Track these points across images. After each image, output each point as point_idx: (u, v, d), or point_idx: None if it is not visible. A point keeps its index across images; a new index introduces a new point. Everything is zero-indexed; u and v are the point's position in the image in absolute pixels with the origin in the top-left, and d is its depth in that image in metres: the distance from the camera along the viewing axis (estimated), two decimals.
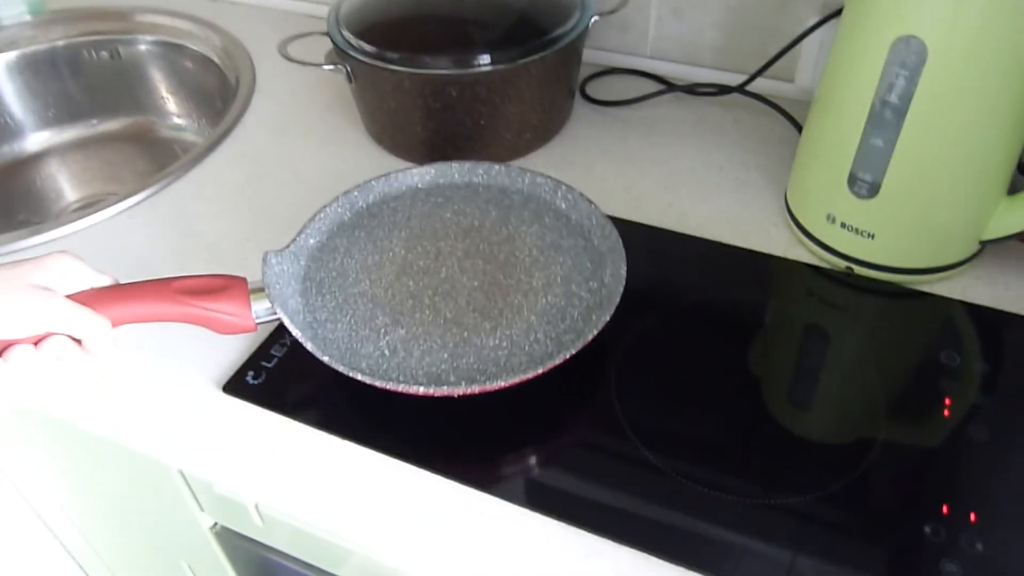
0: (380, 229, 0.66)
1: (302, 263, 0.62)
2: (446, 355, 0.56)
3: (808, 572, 0.47)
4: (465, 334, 0.57)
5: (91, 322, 0.51)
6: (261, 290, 0.55)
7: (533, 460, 0.54)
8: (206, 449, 0.56)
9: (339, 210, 0.66)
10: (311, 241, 0.64)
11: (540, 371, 0.52)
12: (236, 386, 0.59)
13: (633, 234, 0.68)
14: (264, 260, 0.58)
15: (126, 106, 1.10)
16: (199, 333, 0.55)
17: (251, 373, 0.60)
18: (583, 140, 0.82)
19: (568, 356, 0.53)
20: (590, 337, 0.54)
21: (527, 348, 0.56)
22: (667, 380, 0.58)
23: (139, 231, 0.74)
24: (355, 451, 0.55)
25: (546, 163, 0.79)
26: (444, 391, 0.52)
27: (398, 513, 0.52)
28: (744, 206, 0.73)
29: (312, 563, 0.68)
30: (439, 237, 0.65)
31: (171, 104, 1.10)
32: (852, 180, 0.61)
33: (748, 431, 0.55)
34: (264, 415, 0.58)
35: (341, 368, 0.53)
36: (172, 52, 1.06)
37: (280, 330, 0.62)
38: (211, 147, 0.84)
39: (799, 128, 0.80)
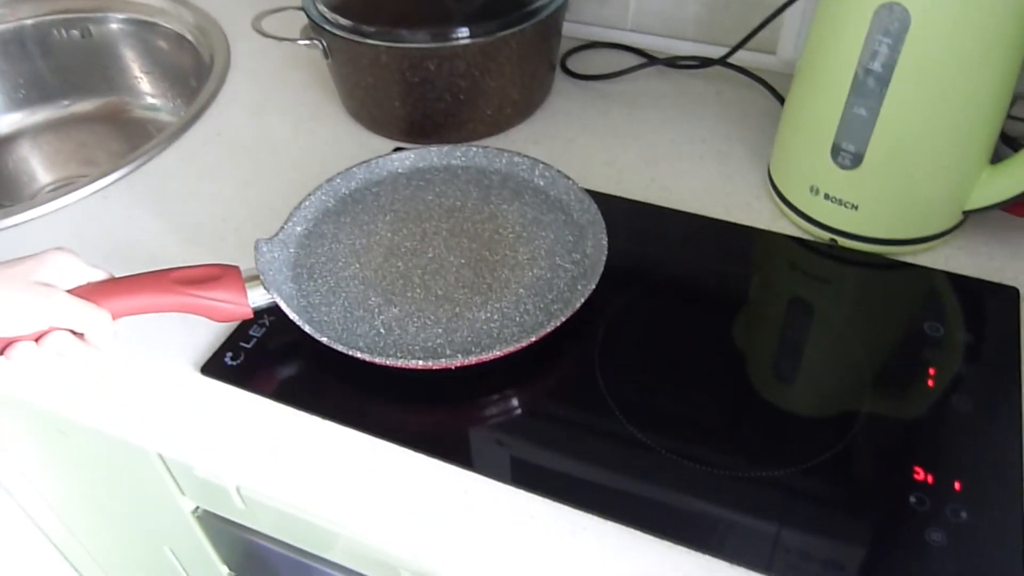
0: (365, 214, 0.66)
1: (291, 250, 0.63)
2: (440, 330, 0.57)
3: (794, 543, 0.47)
4: (457, 309, 0.58)
5: (93, 316, 0.51)
6: (255, 277, 0.56)
7: (517, 437, 0.54)
8: (185, 432, 0.55)
9: (323, 198, 0.67)
10: (298, 229, 0.65)
11: (533, 339, 0.54)
12: (215, 368, 0.59)
13: (615, 209, 0.68)
14: (256, 248, 0.59)
15: (98, 86, 1.08)
16: (175, 316, 0.54)
17: (229, 354, 0.59)
18: (564, 114, 0.81)
19: (559, 323, 0.55)
20: (578, 305, 0.56)
21: (518, 319, 0.57)
22: (651, 355, 0.58)
23: (115, 212, 0.72)
24: (337, 431, 0.55)
25: (527, 138, 0.78)
26: (442, 363, 0.53)
27: (382, 493, 0.51)
28: (727, 179, 0.72)
29: (297, 545, 0.67)
30: (423, 219, 0.66)
31: (144, 84, 1.08)
32: (835, 151, 0.60)
33: (733, 405, 0.55)
34: (243, 396, 0.57)
35: (340, 347, 0.54)
36: (144, 30, 1.04)
37: (258, 311, 0.61)
38: (186, 126, 0.82)
39: (781, 100, 0.79)
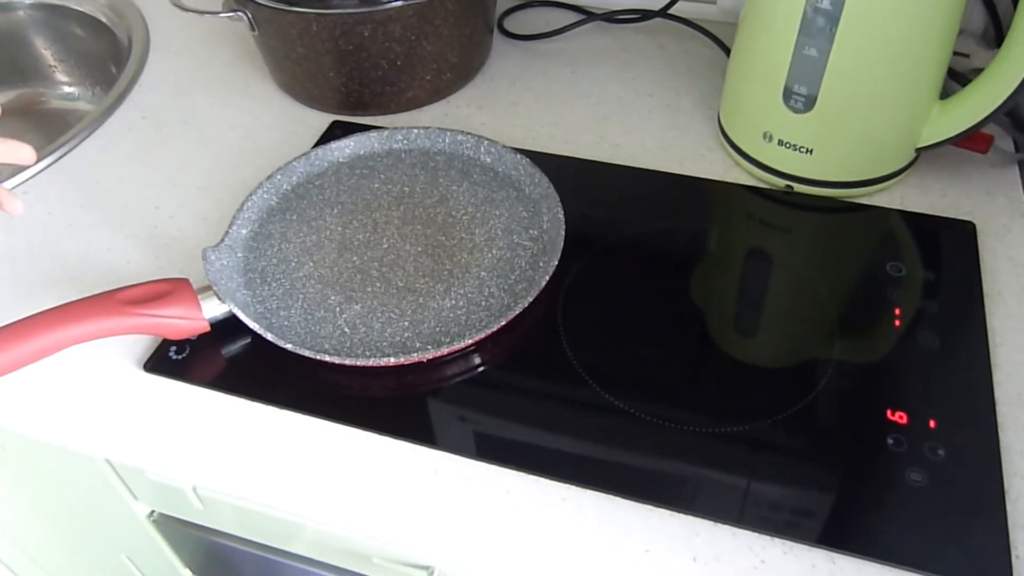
0: (311, 209, 0.64)
1: (239, 255, 0.60)
2: (406, 323, 0.55)
3: (778, 496, 0.46)
4: (421, 300, 0.57)
5: None
6: (207, 288, 0.54)
7: (484, 411, 0.52)
8: (133, 434, 0.52)
9: (265, 196, 0.64)
10: (243, 231, 0.62)
11: (503, 322, 0.53)
12: (159, 364, 0.55)
13: (566, 169, 0.67)
14: (204, 257, 0.56)
15: (8, 78, 1.01)
16: None
17: (173, 348, 0.56)
18: (505, 77, 0.78)
19: (527, 304, 0.53)
20: (543, 283, 0.55)
21: (483, 304, 0.56)
22: (616, 317, 0.56)
23: (38, 207, 0.68)
24: (295, 419, 0.52)
25: (469, 102, 0.75)
26: (414, 358, 0.52)
27: (349, 479, 0.49)
28: (678, 132, 0.71)
29: (259, 541, 0.64)
30: (372, 208, 0.64)
31: (59, 73, 1.02)
32: (787, 94, 0.59)
33: (702, 361, 0.54)
34: (192, 391, 0.54)
35: (306, 353, 0.52)
36: (55, 16, 0.98)
37: (215, 323, 0.58)
38: (107, 112, 0.77)
39: (726, 50, 0.78)
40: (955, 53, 0.61)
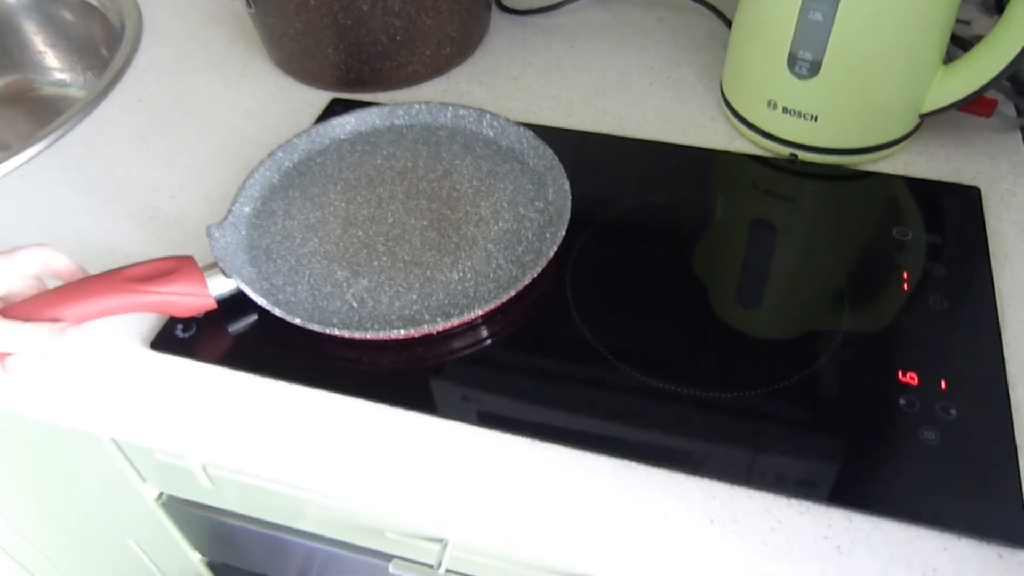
0: (314, 186, 0.63)
1: (243, 233, 0.60)
2: (415, 296, 0.55)
3: (790, 455, 0.46)
4: (428, 273, 0.56)
5: (38, 338, 0.49)
6: (213, 265, 0.54)
7: (497, 382, 0.51)
8: (141, 414, 0.52)
9: (267, 174, 0.63)
10: (246, 209, 0.61)
11: (512, 293, 0.53)
12: (165, 342, 0.55)
13: (569, 142, 0.66)
14: (208, 235, 0.55)
15: None
16: None
17: (180, 327, 0.55)
18: (505, 52, 0.78)
19: (536, 274, 0.53)
20: (551, 253, 0.54)
21: (491, 275, 0.56)
22: (624, 288, 0.56)
23: (33, 192, 0.67)
24: (303, 393, 0.52)
25: (469, 77, 0.75)
26: (424, 330, 0.52)
27: (361, 453, 0.49)
28: (681, 103, 0.71)
29: (270, 520, 0.64)
30: (376, 184, 0.63)
31: (50, 58, 1.01)
32: (792, 60, 0.59)
33: (718, 330, 0.54)
34: (200, 369, 0.53)
35: (315, 328, 0.52)
36: (44, 0, 0.96)
37: (221, 300, 0.57)
38: (101, 95, 0.76)
39: (725, 21, 0.77)
40: (957, 20, 0.61)
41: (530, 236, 0.58)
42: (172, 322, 0.55)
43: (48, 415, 0.53)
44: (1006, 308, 0.53)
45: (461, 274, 0.56)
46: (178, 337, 0.55)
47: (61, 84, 1.01)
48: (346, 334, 0.51)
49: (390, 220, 0.60)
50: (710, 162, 0.65)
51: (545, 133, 0.63)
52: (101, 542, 0.85)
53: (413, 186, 0.63)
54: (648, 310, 0.55)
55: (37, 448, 0.69)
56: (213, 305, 0.54)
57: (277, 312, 0.52)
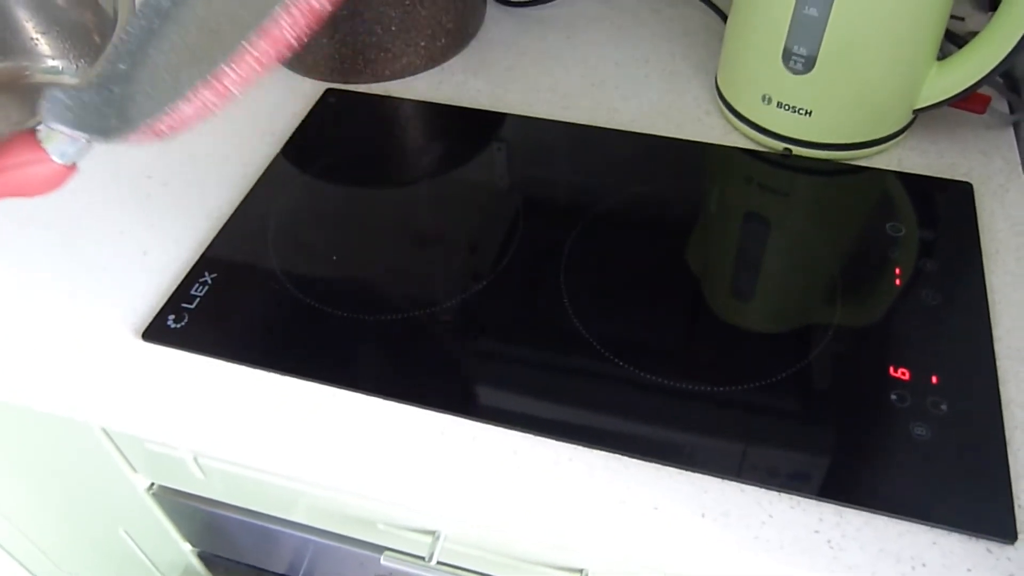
0: None
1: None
2: None
3: (781, 449, 0.46)
4: None
5: None
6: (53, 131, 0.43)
7: (489, 373, 0.51)
8: (132, 404, 0.51)
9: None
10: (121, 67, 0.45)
11: None
12: (157, 332, 0.54)
13: (564, 134, 0.66)
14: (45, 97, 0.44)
15: None
16: (109, 280, 0.50)
17: (172, 317, 0.55)
18: (500, 43, 0.77)
19: None
20: None
21: None
22: (617, 280, 0.56)
23: None
24: (297, 385, 0.52)
25: (465, 68, 0.74)
26: None
27: (347, 443, 0.49)
28: (675, 96, 0.70)
29: (261, 511, 0.64)
30: None
31: (42, 45, 1.00)
32: (787, 55, 0.59)
33: (709, 324, 0.54)
34: (192, 360, 0.53)
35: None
36: None
37: (199, 269, 0.57)
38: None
39: (721, 15, 0.77)
40: (951, 16, 0.61)
41: None
42: (163, 312, 0.55)
43: (39, 404, 0.53)
44: (997, 304, 0.54)
45: None
46: (170, 327, 0.55)
47: (53, 72, 1.01)
48: None
49: None
50: (704, 156, 0.65)
51: (541, 125, 0.63)
52: (93, 532, 0.85)
53: None
54: (640, 303, 0.55)
55: (27, 437, 0.69)
56: (61, 168, 0.44)
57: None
